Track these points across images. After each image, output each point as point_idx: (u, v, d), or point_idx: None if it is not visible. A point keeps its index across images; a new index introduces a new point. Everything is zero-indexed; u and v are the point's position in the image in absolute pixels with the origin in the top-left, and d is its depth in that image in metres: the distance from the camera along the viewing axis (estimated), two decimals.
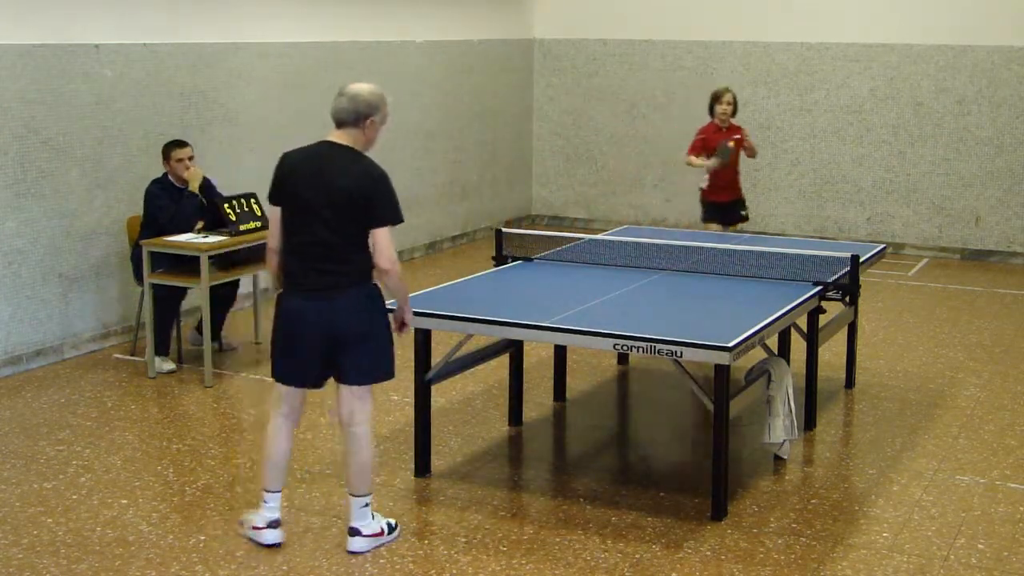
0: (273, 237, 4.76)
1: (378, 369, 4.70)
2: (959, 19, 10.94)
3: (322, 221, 4.53)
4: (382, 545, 4.80)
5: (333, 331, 4.59)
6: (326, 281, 4.57)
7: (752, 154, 8.58)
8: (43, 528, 5.03)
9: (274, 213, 4.75)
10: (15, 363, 7.23)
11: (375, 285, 4.63)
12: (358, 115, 4.56)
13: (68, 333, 7.55)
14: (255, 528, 4.82)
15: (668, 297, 5.92)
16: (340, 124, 4.60)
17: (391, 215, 4.54)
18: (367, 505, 4.77)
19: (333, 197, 4.50)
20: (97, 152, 7.68)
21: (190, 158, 7.35)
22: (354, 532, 4.76)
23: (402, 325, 4.84)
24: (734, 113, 8.50)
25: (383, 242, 4.51)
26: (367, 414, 4.71)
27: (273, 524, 4.82)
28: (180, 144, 7.38)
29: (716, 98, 8.50)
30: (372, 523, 4.80)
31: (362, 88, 4.58)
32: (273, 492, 4.82)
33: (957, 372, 7.38)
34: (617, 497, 5.39)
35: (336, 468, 5.71)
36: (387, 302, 4.76)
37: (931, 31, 11.06)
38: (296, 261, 4.64)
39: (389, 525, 4.86)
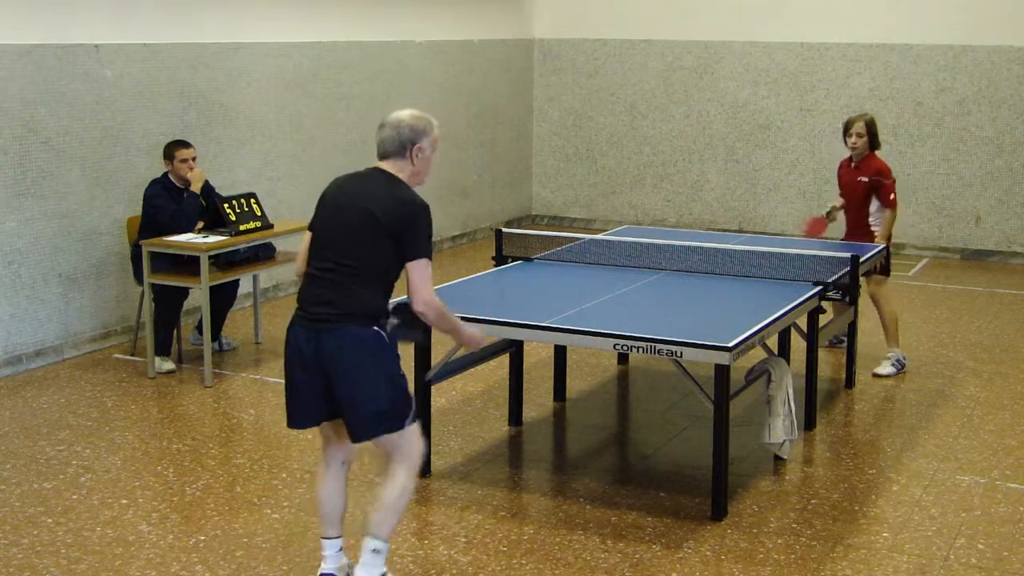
0: (299, 262, 4.34)
1: (379, 425, 4.17)
2: (959, 19, 10.94)
3: (338, 247, 4.15)
4: None
5: (321, 371, 4.14)
6: (320, 313, 4.12)
7: (887, 205, 7.26)
8: (43, 528, 5.03)
9: (305, 238, 4.33)
10: (15, 363, 7.23)
11: (375, 330, 4.12)
12: (403, 144, 4.18)
13: (68, 333, 7.55)
14: None
15: (668, 297, 5.92)
16: (385, 156, 4.21)
17: (426, 250, 4.11)
18: (377, 552, 4.19)
19: (356, 221, 4.12)
20: (97, 152, 7.68)
21: (193, 159, 7.35)
22: None
23: (472, 343, 4.52)
24: (873, 147, 7.31)
25: (415, 281, 4.10)
26: (407, 457, 4.23)
27: None
28: (184, 144, 7.38)
29: (845, 129, 7.38)
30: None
31: (404, 115, 4.22)
32: (328, 539, 4.37)
33: (957, 372, 7.38)
34: (617, 497, 5.39)
35: None
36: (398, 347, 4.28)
37: (931, 31, 11.06)
38: (305, 286, 4.24)
39: None
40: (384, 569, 4.23)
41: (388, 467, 4.27)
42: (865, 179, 7.24)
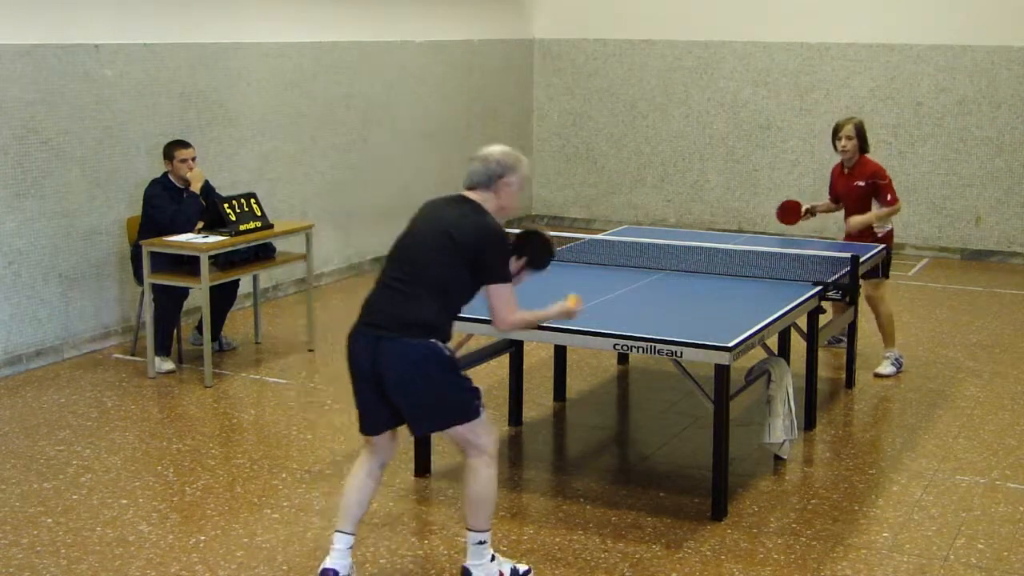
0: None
1: (438, 423, 4.32)
2: (959, 19, 10.94)
3: (412, 261, 4.30)
4: None
5: (380, 377, 4.25)
6: (379, 319, 4.25)
7: (889, 205, 7.15)
8: (43, 528, 5.03)
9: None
10: (15, 363, 7.23)
11: (434, 343, 4.21)
12: (490, 176, 4.39)
13: (68, 333, 7.55)
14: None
15: (668, 297, 5.92)
16: (472, 187, 4.41)
17: (504, 274, 4.28)
18: (482, 543, 4.36)
19: (433, 240, 4.27)
20: (97, 152, 7.68)
21: (193, 159, 7.35)
22: (465, 572, 4.41)
23: (570, 316, 4.58)
24: (863, 150, 7.22)
25: (495, 305, 4.27)
26: (478, 448, 4.33)
27: (327, 573, 4.37)
28: (184, 144, 7.38)
29: (834, 133, 7.26)
30: (489, 565, 4.39)
31: (495, 150, 4.44)
32: (341, 533, 4.42)
33: (957, 372, 7.38)
34: (617, 497, 5.39)
35: (334, 468, 5.72)
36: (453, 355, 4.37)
37: (931, 31, 11.06)
38: (373, 294, 4.37)
39: (515, 571, 4.45)
40: (491, 552, 4.43)
41: (466, 462, 4.39)
42: (862, 183, 7.16)
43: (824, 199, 7.80)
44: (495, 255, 4.28)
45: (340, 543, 4.41)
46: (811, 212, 7.48)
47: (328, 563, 4.39)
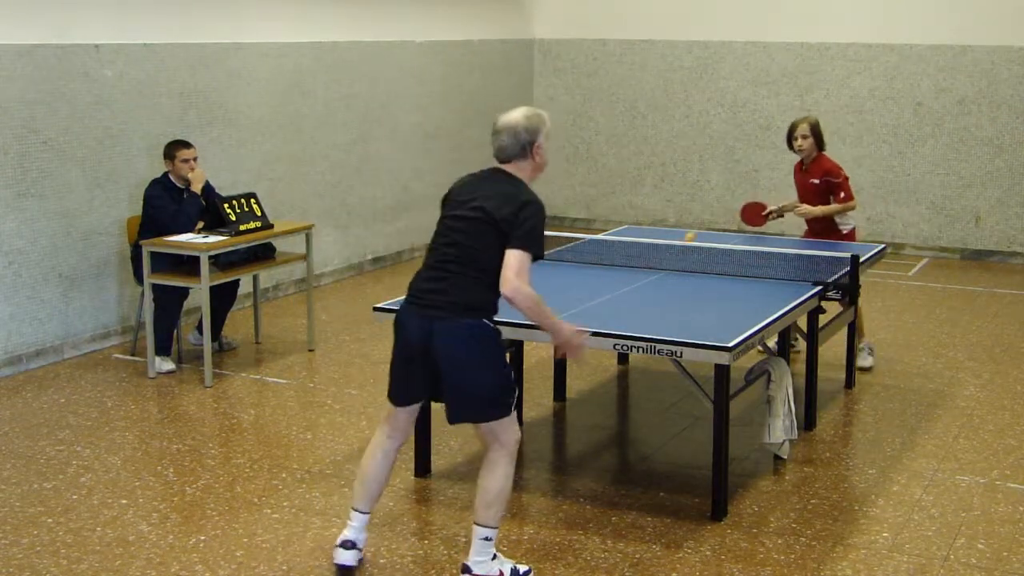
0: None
1: (476, 412, 4.34)
2: (959, 19, 10.94)
3: (454, 241, 4.31)
4: None
5: (426, 355, 4.29)
6: (432, 300, 4.29)
7: (844, 202, 7.22)
8: (43, 528, 5.03)
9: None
10: (15, 363, 7.23)
11: (485, 323, 4.28)
12: (523, 145, 4.35)
13: (68, 333, 7.55)
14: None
15: (668, 297, 5.92)
16: (507, 160, 4.38)
17: (526, 241, 4.19)
18: (487, 539, 4.37)
19: (476, 217, 4.27)
20: (97, 152, 7.68)
21: (194, 159, 7.35)
22: (465, 570, 4.42)
23: (569, 350, 4.47)
24: (820, 148, 7.29)
25: (510, 266, 4.16)
26: (500, 443, 4.35)
27: (347, 544, 4.53)
28: (186, 144, 7.39)
29: (789, 132, 7.34)
30: (490, 563, 4.40)
31: (518, 117, 4.38)
32: (357, 512, 4.55)
33: (957, 372, 7.38)
34: (617, 497, 5.39)
35: (334, 468, 5.72)
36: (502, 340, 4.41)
37: (931, 31, 11.06)
38: (421, 275, 4.41)
39: (515, 571, 4.45)
40: (494, 551, 4.43)
41: (486, 456, 4.41)
42: (816, 181, 7.27)
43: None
44: (526, 224, 4.21)
45: (356, 521, 4.53)
46: (779, 213, 7.53)
47: (346, 535, 4.53)
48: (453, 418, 4.41)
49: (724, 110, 11.94)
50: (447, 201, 4.48)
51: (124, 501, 5.32)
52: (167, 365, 7.22)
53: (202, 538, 4.94)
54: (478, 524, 4.39)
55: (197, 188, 7.32)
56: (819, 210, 7.24)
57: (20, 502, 5.30)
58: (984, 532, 5.05)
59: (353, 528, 4.55)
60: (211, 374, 7.03)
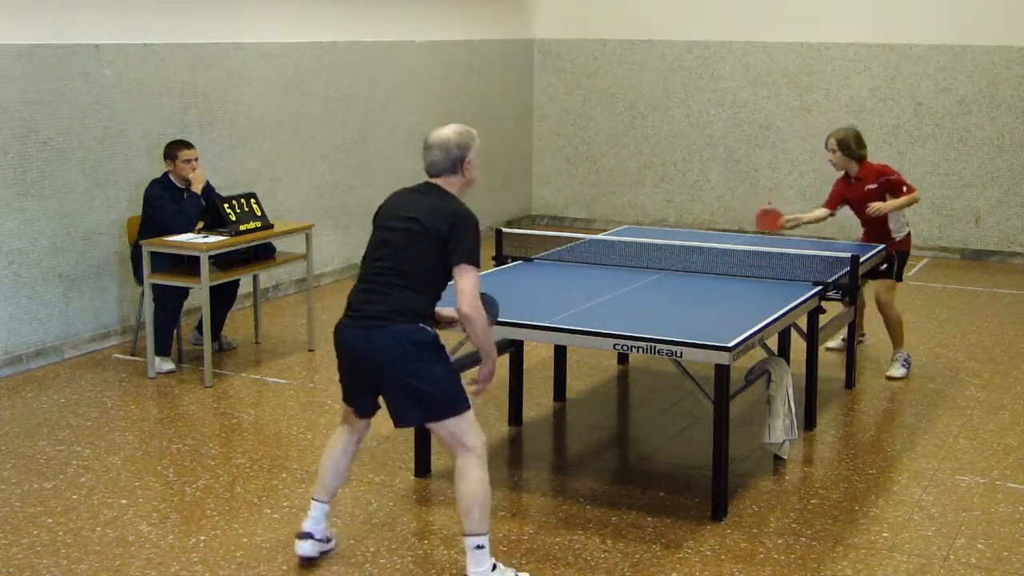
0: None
1: (430, 410, 4.37)
2: (959, 19, 10.94)
3: (388, 253, 4.40)
4: None
5: (370, 365, 4.38)
6: (368, 311, 4.36)
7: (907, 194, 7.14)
8: (43, 528, 5.03)
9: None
10: (15, 363, 7.23)
11: (422, 327, 4.33)
12: (454, 161, 4.46)
13: (68, 333, 7.55)
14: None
15: (668, 297, 5.92)
16: (437, 174, 4.48)
17: (470, 257, 4.31)
18: (480, 547, 4.35)
19: (407, 225, 4.37)
20: (97, 152, 7.68)
21: (196, 159, 7.36)
22: None
23: (487, 379, 4.48)
24: (858, 159, 7.17)
25: (463, 285, 4.27)
26: (465, 446, 4.35)
27: (303, 535, 4.64)
28: (187, 145, 7.39)
29: (826, 146, 7.27)
30: (488, 573, 4.37)
31: (449, 133, 4.51)
32: (316, 501, 4.66)
33: (957, 372, 7.38)
34: (617, 497, 5.39)
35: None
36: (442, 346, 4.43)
37: (931, 31, 11.06)
38: (357, 289, 4.48)
39: None
40: (492, 560, 4.41)
41: (455, 464, 4.43)
42: (873, 186, 7.13)
43: (819, 197, 7.80)
44: (466, 237, 4.34)
45: (316, 511, 4.65)
46: (794, 223, 7.36)
47: (305, 526, 4.65)
48: (400, 420, 4.47)
49: (724, 110, 11.94)
50: (379, 215, 4.57)
51: (124, 501, 5.32)
52: (167, 365, 7.22)
53: (202, 538, 4.94)
54: (466, 535, 4.38)
55: (197, 188, 7.32)
56: (889, 205, 7.08)
57: (20, 502, 5.30)
58: (984, 532, 5.05)
59: (312, 518, 4.65)
60: (211, 374, 7.03)
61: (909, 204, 7.20)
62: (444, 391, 4.35)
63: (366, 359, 4.37)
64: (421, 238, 4.34)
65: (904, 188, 7.15)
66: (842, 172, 7.29)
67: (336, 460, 4.64)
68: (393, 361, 4.31)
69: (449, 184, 4.48)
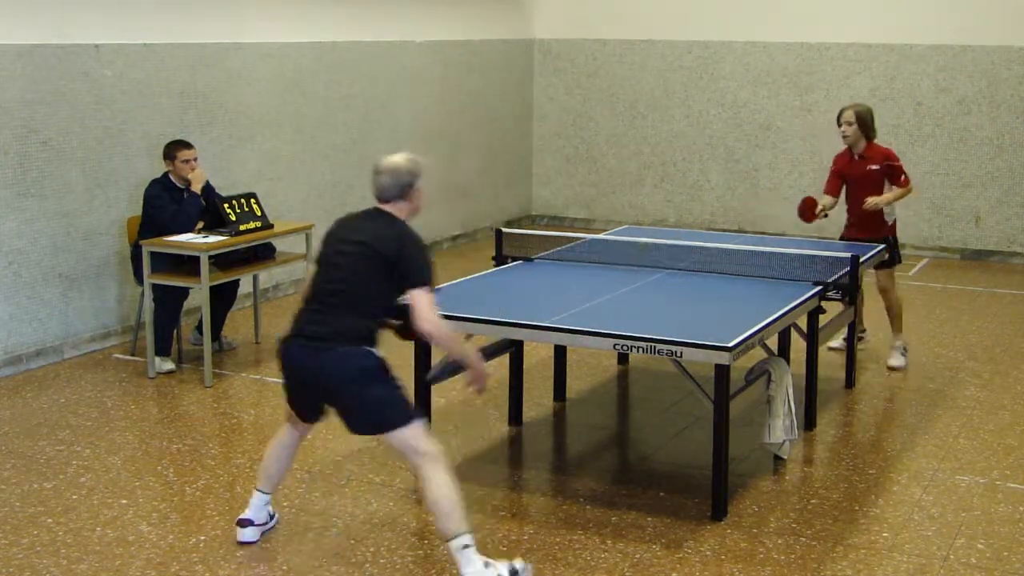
0: (304, 290, 4.71)
1: (374, 426, 4.52)
2: (959, 19, 10.94)
3: (336, 276, 4.52)
4: None
5: (315, 383, 4.52)
6: (316, 332, 4.48)
7: (903, 185, 7.24)
8: (43, 528, 5.03)
9: (310, 269, 4.79)
10: (15, 363, 7.23)
11: (369, 351, 4.46)
12: (402, 187, 4.58)
13: (68, 333, 7.55)
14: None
15: (668, 297, 5.92)
16: (386, 200, 4.59)
17: (423, 278, 4.43)
18: (467, 547, 4.36)
19: (356, 249, 4.49)
20: (97, 152, 7.68)
21: (195, 159, 7.36)
22: None
23: (477, 379, 4.65)
24: (868, 136, 7.24)
25: (420, 307, 4.40)
26: (418, 452, 4.44)
27: (243, 523, 4.85)
28: (186, 145, 7.39)
29: (838, 118, 7.30)
30: (484, 571, 4.35)
31: (399, 161, 4.61)
32: (258, 491, 4.87)
33: (957, 372, 7.38)
34: (617, 497, 5.39)
35: (334, 468, 5.72)
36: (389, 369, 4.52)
37: (931, 31, 11.06)
38: (303, 311, 4.59)
39: (513, 570, 4.42)
40: (484, 558, 4.41)
41: (416, 474, 4.57)
42: (876, 167, 7.21)
43: (818, 197, 7.79)
44: (415, 260, 4.47)
45: (257, 499, 4.87)
46: (824, 213, 7.40)
47: (246, 513, 4.87)
48: (352, 430, 4.60)
49: (724, 110, 11.94)
50: (328, 239, 4.65)
51: (124, 501, 5.32)
52: (167, 365, 7.22)
53: (202, 538, 4.94)
54: (448, 539, 4.40)
55: (197, 188, 7.32)
56: (885, 199, 7.20)
57: (20, 502, 5.30)
58: (984, 532, 5.05)
59: (253, 507, 4.86)
60: (211, 374, 7.03)
61: (903, 196, 7.34)
62: (385, 410, 4.46)
63: (313, 379, 4.50)
64: (371, 262, 4.47)
65: (903, 178, 7.26)
66: (845, 148, 7.34)
67: (279, 453, 4.83)
68: (339, 382, 4.45)
69: (397, 210, 4.60)
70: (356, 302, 4.47)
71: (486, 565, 4.38)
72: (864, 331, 7.73)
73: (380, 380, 4.47)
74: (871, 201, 7.16)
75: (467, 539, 4.38)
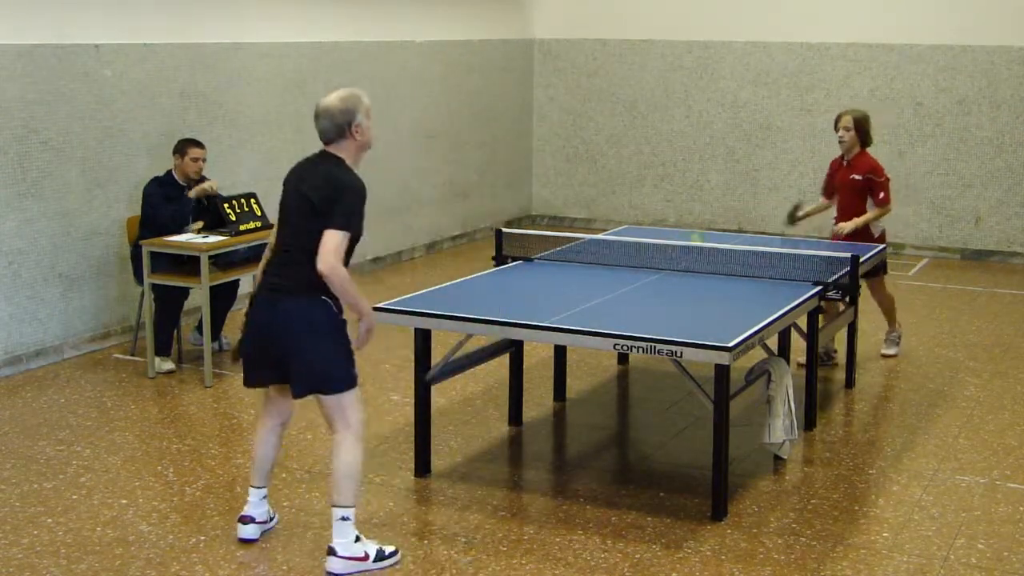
0: (270, 244, 4.81)
1: (317, 380, 4.57)
2: (959, 19, 10.94)
3: (290, 227, 4.59)
4: (366, 572, 4.57)
5: (272, 334, 4.56)
6: (275, 283, 4.57)
7: (879, 204, 7.21)
8: (43, 528, 5.03)
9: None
10: (15, 363, 7.23)
11: (323, 299, 4.51)
12: (341, 127, 4.57)
13: (68, 333, 7.55)
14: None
15: (668, 297, 5.92)
16: (329, 142, 4.61)
17: (344, 221, 4.44)
18: (345, 519, 4.56)
19: (300, 202, 4.54)
20: (97, 152, 7.68)
21: (204, 159, 7.38)
22: (331, 552, 4.59)
23: (367, 335, 4.64)
24: (864, 143, 7.24)
25: (326, 244, 4.41)
26: (346, 423, 4.60)
27: (245, 519, 4.87)
28: (199, 144, 7.41)
29: (835, 123, 7.31)
30: (353, 545, 4.57)
31: (332, 101, 4.57)
32: (252, 487, 4.89)
33: (957, 372, 7.38)
34: (617, 497, 5.39)
35: None
36: (343, 317, 4.58)
37: (931, 31, 11.06)
38: (267, 262, 4.72)
39: (380, 552, 4.63)
40: (356, 533, 4.60)
41: (334, 438, 4.65)
42: (858, 177, 7.22)
43: (819, 197, 7.87)
44: (341, 204, 4.47)
45: (254, 496, 4.88)
46: (806, 215, 7.56)
47: (246, 510, 4.88)
48: (297, 390, 4.63)
49: (724, 110, 11.94)
50: (284, 187, 4.69)
51: (124, 501, 5.32)
52: (167, 365, 7.22)
53: (202, 538, 4.94)
54: (334, 506, 4.57)
55: (194, 194, 7.34)
56: (852, 225, 7.17)
57: (20, 502, 5.30)
58: (984, 532, 5.05)
59: (251, 504, 4.88)
60: (211, 374, 7.03)
61: (875, 219, 7.26)
62: (329, 367, 4.54)
63: (270, 331, 4.55)
64: (311, 210, 4.49)
65: (882, 195, 7.18)
66: (841, 154, 7.35)
67: (265, 447, 4.85)
68: (293, 332, 4.50)
69: (342, 150, 4.60)
70: (306, 251, 4.47)
71: (356, 540, 4.57)
72: (835, 352, 7.45)
73: (332, 338, 4.53)
74: (835, 228, 7.25)
75: (349, 513, 4.56)
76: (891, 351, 7.62)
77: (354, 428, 4.61)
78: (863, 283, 7.09)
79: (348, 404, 4.60)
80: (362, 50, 10.06)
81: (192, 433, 6.24)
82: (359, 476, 4.63)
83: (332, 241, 4.42)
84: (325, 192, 4.48)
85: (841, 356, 7.32)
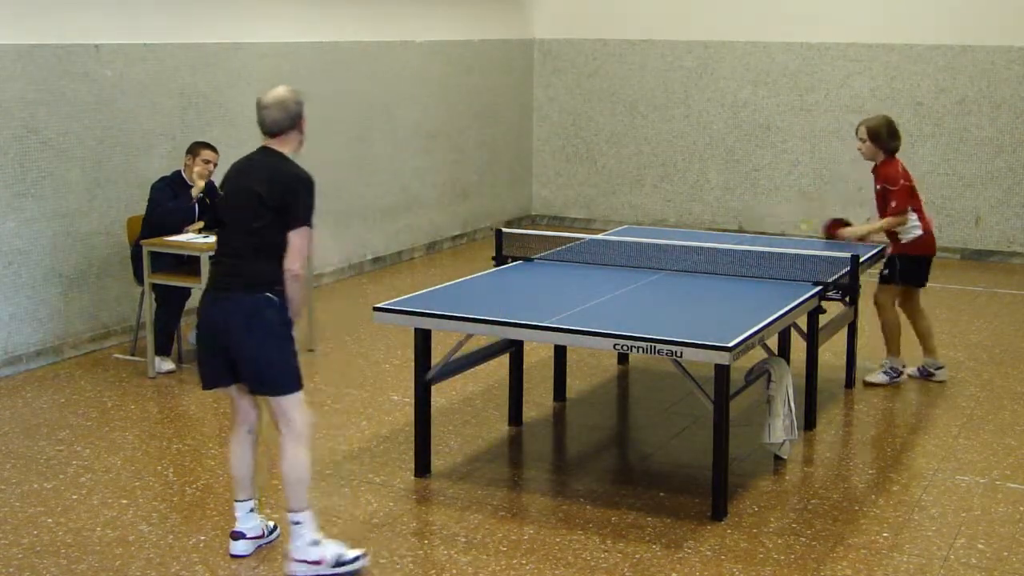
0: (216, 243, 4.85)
1: (263, 383, 4.59)
2: (959, 19, 10.94)
3: (234, 224, 4.60)
4: None
5: (220, 331, 4.57)
6: (223, 282, 4.58)
7: (889, 213, 6.89)
8: (43, 528, 5.03)
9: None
10: (15, 363, 7.23)
11: (268, 297, 4.51)
12: (293, 118, 4.64)
13: (68, 333, 7.55)
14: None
15: (668, 297, 5.92)
16: (276, 133, 4.64)
17: (305, 219, 4.54)
18: (297, 523, 4.54)
19: (247, 199, 4.54)
20: (97, 152, 7.68)
21: (215, 164, 7.40)
22: (286, 556, 4.61)
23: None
24: (888, 151, 6.95)
25: (296, 245, 4.50)
26: (290, 426, 4.58)
27: (235, 535, 4.78)
28: (213, 148, 7.43)
29: (856, 132, 7.08)
30: (308, 548, 4.54)
31: (283, 92, 4.64)
32: (237, 502, 4.81)
33: (957, 372, 7.38)
34: (617, 497, 5.39)
35: (334, 468, 5.72)
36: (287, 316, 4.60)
37: (931, 31, 11.06)
38: (213, 262, 4.74)
39: (340, 557, 4.57)
40: (315, 536, 4.56)
41: (280, 440, 4.62)
42: (879, 187, 6.99)
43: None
44: (299, 201, 4.54)
45: (240, 510, 4.79)
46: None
47: (236, 526, 4.79)
48: (251, 388, 4.66)
49: (724, 110, 11.94)
50: (225, 186, 4.73)
51: (124, 501, 5.32)
52: (167, 365, 7.23)
53: (202, 538, 4.94)
54: (287, 511, 4.57)
55: (195, 192, 7.35)
56: (851, 231, 7.01)
57: (20, 502, 5.30)
58: (984, 532, 5.05)
59: (239, 518, 4.79)
60: None
61: (882, 229, 6.95)
62: (272, 370, 4.54)
63: (215, 329, 4.56)
64: (261, 207, 4.50)
65: (892, 205, 6.85)
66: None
67: (239, 459, 4.79)
68: (237, 329, 4.50)
69: (286, 143, 4.65)
70: (256, 248, 4.51)
71: (316, 543, 4.55)
72: (941, 366, 7.18)
73: (277, 337, 4.52)
74: (844, 232, 7.08)
75: (300, 517, 4.53)
76: (876, 379, 7.04)
77: (297, 429, 4.58)
78: (895, 289, 6.99)
79: (291, 407, 4.59)
80: (362, 50, 10.06)
81: (192, 433, 6.24)
82: (307, 478, 4.59)
83: (301, 240, 4.51)
84: (279, 188, 4.51)
85: (841, 356, 7.31)
